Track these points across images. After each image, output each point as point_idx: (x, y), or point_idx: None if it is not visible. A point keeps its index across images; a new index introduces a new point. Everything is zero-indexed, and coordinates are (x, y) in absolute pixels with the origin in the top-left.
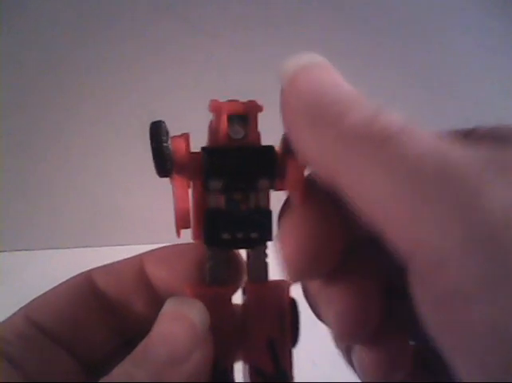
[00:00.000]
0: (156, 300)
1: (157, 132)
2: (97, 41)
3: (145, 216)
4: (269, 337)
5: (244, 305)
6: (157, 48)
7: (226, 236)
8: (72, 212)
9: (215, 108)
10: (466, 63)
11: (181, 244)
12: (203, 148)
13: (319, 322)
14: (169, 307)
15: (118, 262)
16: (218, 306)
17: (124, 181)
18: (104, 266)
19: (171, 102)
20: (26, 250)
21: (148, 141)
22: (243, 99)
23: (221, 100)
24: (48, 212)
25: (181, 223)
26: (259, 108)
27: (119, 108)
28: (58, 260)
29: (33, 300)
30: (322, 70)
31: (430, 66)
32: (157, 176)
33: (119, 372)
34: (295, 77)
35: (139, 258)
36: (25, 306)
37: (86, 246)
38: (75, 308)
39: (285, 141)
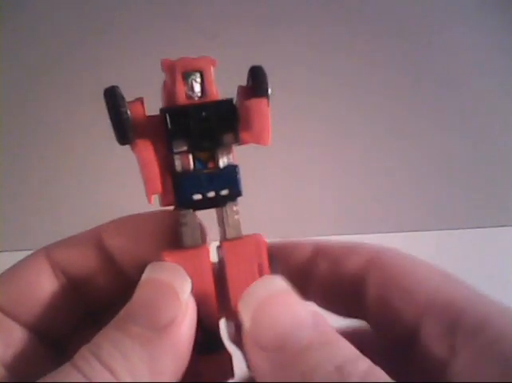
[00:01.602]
0: (118, 272)
1: (114, 98)
2: (97, 40)
3: None
4: None
5: (221, 262)
6: (157, 48)
7: (197, 197)
8: (72, 212)
9: (168, 66)
10: (466, 63)
11: (139, 213)
12: (163, 109)
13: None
14: (149, 274)
15: (74, 236)
16: (198, 268)
17: (124, 181)
18: (62, 240)
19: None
20: (26, 250)
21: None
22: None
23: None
24: (48, 212)
25: (152, 187)
26: (213, 63)
27: None
28: None
29: None
30: (280, 306)
31: (430, 67)
32: None
33: (102, 337)
34: (256, 319)
35: (97, 230)
36: None
37: None
38: (35, 287)
39: (252, 75)
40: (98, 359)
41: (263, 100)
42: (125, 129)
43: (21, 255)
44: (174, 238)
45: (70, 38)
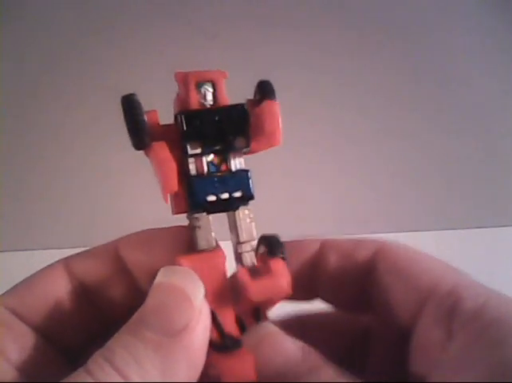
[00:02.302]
0: (134, 285)
1: (134, 105)
2: (97, 40)
3: (145, 216)
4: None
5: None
6: (157, 48)
7: (211, 198)
8: (72, 212)
9: (182, 77)
10: (466, 64)
11: (156, 228)
12: (178, 113)
13: None
14: (162, 278)
15: (94, 248)
16: (214, 269)
17: (124, 181)
18: (81, 252)
19: (171, 104)
20: (26, 250)
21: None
22: (243, 100)
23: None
24: (48, 212)
25: (169, 186)
26: (224, 75)
27: (119, 109)
28: None
29: (11, 289)
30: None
31: (430, 68)
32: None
33: (115, 342)
34: (256, 356)
35: (115, 243)
36: (2, 296)
37: (86, 246)
38: (51, 294)
39: (260, 88)
40: (111, 364)
41: (275, 103)
42: (143, 134)
43: (21, 255)
44: (188, 252)
45: (70, 39)
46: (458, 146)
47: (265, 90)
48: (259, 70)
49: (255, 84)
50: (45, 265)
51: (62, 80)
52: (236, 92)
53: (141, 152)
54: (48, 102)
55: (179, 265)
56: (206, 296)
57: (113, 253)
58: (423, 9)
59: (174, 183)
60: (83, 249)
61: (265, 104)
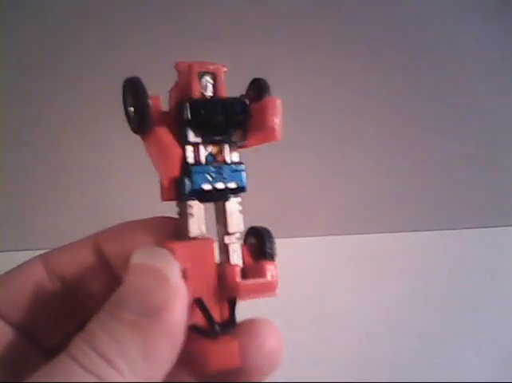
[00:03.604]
0: (115, 277)
1: (141, 87)
2: (97, 40)
3: (145, 216)
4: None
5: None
6: (157, 48)
7: (207, 187)
8: (72, 212)
9: (184, 67)
10: (465, 64)
11: (136, 220)
12: (183, 99)
13: (318, 323)
14: (138, 259)
15: (73, 243)
16: (207, 257)
17: (124, 181)
18: (60, 247)
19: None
20: (26, 250)
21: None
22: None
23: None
24: (48, 212)
25: (170, 171)
26: (224, 68)
27: (119, 108)
28: None
29: None
30: None
31: (430, 69)
32: (157, 177)
33: (95, 325)
34: None
35: (95, 236)
36: None
37: None
38: (30, 291)
39: (257, 85)
40: (94, 348)
41: (277, 99)
42: (148, 117)
43: (21, 255)
44: (175, 239)
45: (70, 39)
46: (458, 146)
47: (263, 87)
48: (259, 70)
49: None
50: None
51: (63, 81)
52: (236, 91)
53: (141, 152)
54: (48, 102)
55: (171, 251)
56: (192, 281)
57: (93, 246)
58: (424, 10)
59: (177, 169)
60: None
61: (268, 99)
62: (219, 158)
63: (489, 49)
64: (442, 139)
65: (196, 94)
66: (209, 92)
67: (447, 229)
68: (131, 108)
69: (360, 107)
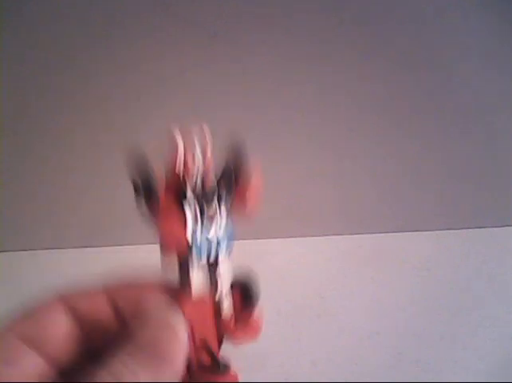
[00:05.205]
0: (122, 319)
1: (146, 170)
2: (97, 40)
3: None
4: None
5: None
6: (157, 48)
7: (204, 259)
8: (73, 212)
9: (179, 146)
10: (467, 64)
11: (142, 276)
12: (177, 178)
13: (318, 323)
14: (158, 314)
15: (86, 289)
16: (206, 313)
17: (124, 181)
18: (77, 291)
19: (171, 103)
20: (26, 250)
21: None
22: (242, 100)
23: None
24: (48, 212)
25: (173, 239)
26: (209, 143)
27: (119, 108)
28: (58, 260)
29: (19, 317)
30: None
31: (432, 66)
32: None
33: (117, 366)
34: None
35: (106, 286)
36: (12, 324)
37: (86, 246)
38: (54, 326)
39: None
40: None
41: (260, 180)
42: (153, 191)
43: (21, 255)
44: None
45: (70, 38)
46: (458, 146)
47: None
48: (259, 69)
49: (253, 84)
50: (44, 265)
51: (63, 82)
52: (236, 92)
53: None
54: (48, 104)
55: (181, 309)
56: (195, 328)
57: (107, 296)
58: (423, 8)
59: (181, 246)
60: (83, 249)
61: (254, 181)
62: (210, 212)
63: (492, 48)
64: (442, 139)
65: (191, 168)
66: (200, 165)
67: (447, 229)
68: (137, 185)
69: (360, 107)
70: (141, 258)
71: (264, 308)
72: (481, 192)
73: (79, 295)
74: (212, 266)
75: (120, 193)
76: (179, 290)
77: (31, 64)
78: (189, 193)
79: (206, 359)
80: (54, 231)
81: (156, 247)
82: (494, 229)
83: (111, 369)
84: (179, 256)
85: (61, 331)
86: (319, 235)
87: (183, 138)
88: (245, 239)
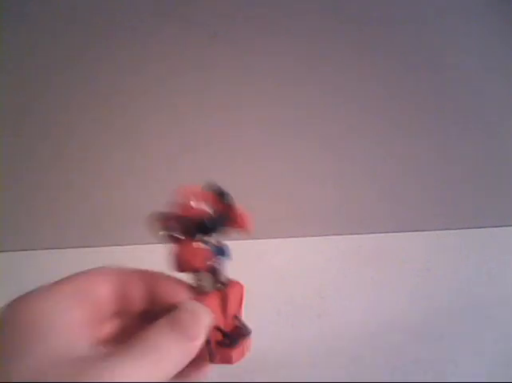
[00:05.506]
0: (152, 303)
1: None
2: (97, 40)
3: (145, 216)
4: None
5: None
6: (157, 48)
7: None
8: (72, 212)
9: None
10: (467, 64)
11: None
12: (196, 221)
13: (318, 323)
14: (190, 305)
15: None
16: (216, 303)
17: (124, 181)
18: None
19: (171, 103)
20: (26, 250)
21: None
22: (242, 100)
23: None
24: (48, 212)
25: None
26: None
27: (118, 108)
28: (58, 260)
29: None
30: None
31: (432, 67)
32: (156, 176)
33: (156, 330)
34: None
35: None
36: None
37: (86, 246)
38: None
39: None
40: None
41: (243, 208)
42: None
43: (21, 255)
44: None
45: (71, 39)
46: (458, 146)
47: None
48: (259, 69)
49: (253, 84)
50: (44, 265)
51: (63, 83)
52: (235, 90)
53: (141, 151)
54: (48, 104)
55: (207, 305)
56: (216, 318)
57: (146, 285)
58: (423, 8)
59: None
60: (83, 249)
61: (240, 214)
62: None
63: (492, 49)
64: (442, 139)
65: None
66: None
67: (447, 229)
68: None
69: (360, 107)
70: (141, 258)
71: (264, 308)
72: (480, 192)
73: (124, 273)
74: (218, 271)
75: (119, 193)
76: (199, 289)
77: (31, 64)
78: (201, 228)
79: (219, 337)
80: (54, 231)
81: (156, 247)
82: (494, 229)
83: (152, 333)
84: (203, 271)
85: (104, 294)
86: (319, 235)
87: (188, 196)
88: (245, 239)
